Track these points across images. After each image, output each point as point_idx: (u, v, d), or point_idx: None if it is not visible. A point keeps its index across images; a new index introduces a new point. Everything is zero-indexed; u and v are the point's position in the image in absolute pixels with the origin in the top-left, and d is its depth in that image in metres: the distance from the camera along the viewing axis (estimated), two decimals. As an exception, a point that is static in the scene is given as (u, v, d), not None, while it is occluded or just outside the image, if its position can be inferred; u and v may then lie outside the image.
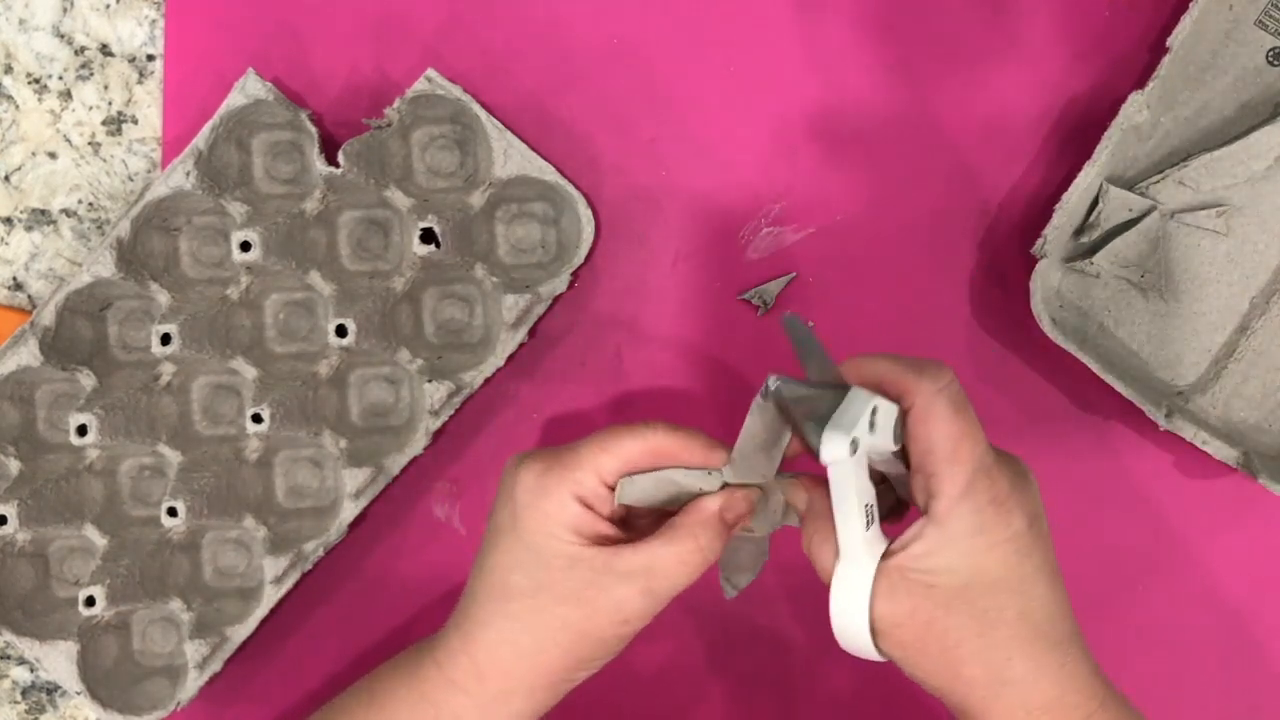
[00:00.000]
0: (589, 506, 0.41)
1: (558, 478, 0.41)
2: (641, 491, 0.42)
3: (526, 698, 0.42)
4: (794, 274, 0.54)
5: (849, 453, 0.36)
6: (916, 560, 0.38)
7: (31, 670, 0.56)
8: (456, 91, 0.51)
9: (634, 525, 0.43)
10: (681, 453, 0.41)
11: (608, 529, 0.41)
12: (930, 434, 0.37)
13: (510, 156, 0.52)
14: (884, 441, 0.38)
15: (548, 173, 0.52)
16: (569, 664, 0.41)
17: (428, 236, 0.50)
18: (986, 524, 0.37)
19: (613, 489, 0.41)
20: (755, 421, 0.40)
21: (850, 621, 0.39)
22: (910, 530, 0.38)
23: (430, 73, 0.51)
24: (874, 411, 0.37)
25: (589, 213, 0.52)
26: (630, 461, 0.41)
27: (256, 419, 0.50)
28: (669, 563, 0.40)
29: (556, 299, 0.53)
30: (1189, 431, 0.49)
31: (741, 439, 0.41)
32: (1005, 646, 0.38)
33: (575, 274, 0.53)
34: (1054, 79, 0.53)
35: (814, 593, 0.40)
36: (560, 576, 0.40)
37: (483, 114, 0.52)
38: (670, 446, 0.41)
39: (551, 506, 0.40)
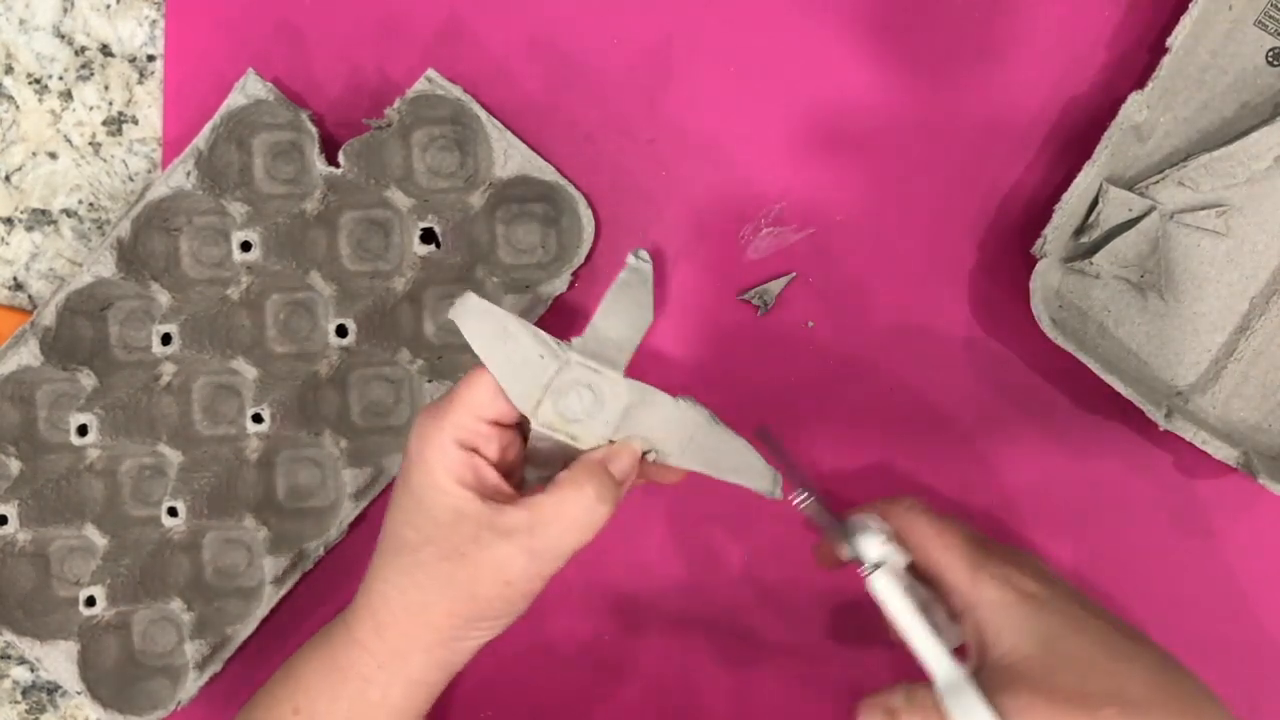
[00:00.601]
0: (473, 449, 0.40)
1: (436, 424, 0.40)
2: (479, 320, 0.41)
3: (424, 655, 0.41)
4: (794, 274, 0.54)
5: (884, 541, 0.41)
6: (1002, 657, 0.39)
7: (32, 670, 0.56)
8: (456, 91, 0.51)
9: (528, 488, 0.42)
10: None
11: (493, 477, 0.40)
12: (921, 538, 0.42)
13: (510, 156, 0.52)
14: (899, 558, 0.42)
15: (548, 173, 0.52)
16: (456, 622, 0.40)
17: (428, 236, 0.50)
18: (1010, 576, 0.40)
19: (493, 424, 0.40)
20: (621, 294, 0.41)
21: None
22: (970, 644, 0.40)
23: (430, 73, 0.51)
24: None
25: (589, 213, 0.52)
26: (499, 390, 0.40)
27: (257, 419, 0.50)
28: (549, 513, 0.39)
29: (556, 299, 0.53)
30: (1189, 431, 0.49)
31: (601, 310, 0.41)
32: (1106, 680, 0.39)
33: (575, 274, 0.53)
34: (1054, 79, 0.53)
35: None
36: (445, 531, 0.40)
37: (483, 114, 0.52)
38: None
39: (433, 453, 0.40)
